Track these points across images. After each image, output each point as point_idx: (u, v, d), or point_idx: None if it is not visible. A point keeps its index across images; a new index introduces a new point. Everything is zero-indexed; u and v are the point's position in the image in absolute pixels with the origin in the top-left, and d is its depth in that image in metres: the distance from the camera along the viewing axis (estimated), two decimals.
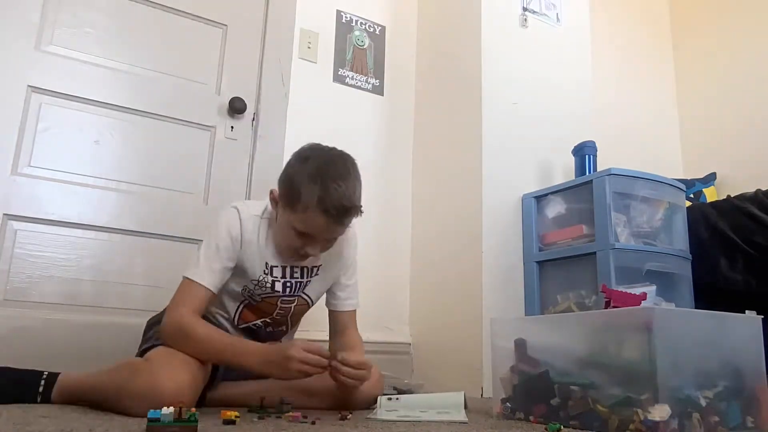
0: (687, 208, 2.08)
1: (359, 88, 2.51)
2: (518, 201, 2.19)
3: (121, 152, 1.98)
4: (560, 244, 2.04)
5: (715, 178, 2.88)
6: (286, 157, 2.19)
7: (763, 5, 2.93)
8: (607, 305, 1.33)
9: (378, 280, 2.39)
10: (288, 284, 1.46)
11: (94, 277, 1.87)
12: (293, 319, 1.57)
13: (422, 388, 2.02)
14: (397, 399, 1.34)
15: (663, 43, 3.33)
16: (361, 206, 1.38)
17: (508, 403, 1.37)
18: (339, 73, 2.47)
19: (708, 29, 3.18)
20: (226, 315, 1.48)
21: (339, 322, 1.59)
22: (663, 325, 1.13)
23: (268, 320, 1.50)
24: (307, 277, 1.48)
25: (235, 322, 1.48)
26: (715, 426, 1.14)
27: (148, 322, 1.55)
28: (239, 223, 1.39)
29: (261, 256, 1.41)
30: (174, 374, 1.18)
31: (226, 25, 2.23)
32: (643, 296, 1.29)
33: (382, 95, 2.56)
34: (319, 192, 1.28)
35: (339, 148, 1.47)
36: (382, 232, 2.43)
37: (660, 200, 1.98)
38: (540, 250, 2.11)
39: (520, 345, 1.37)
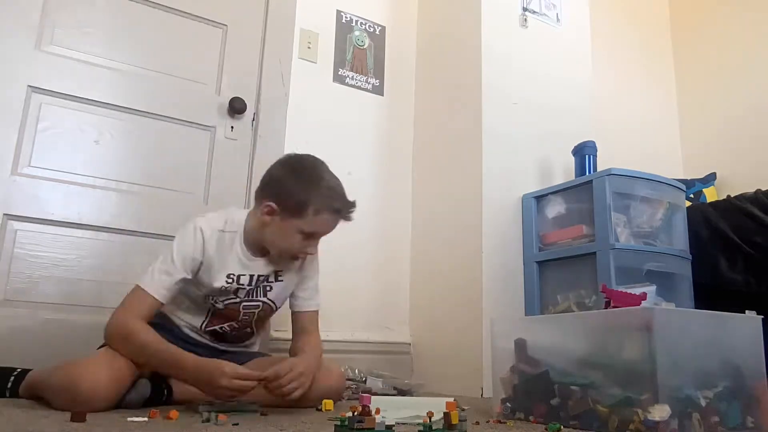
0: (687, 208, 2.08)
1: (359, 88, 2.51)
2: (518, 201, 2.19)
3: (121, 152, 1.98)
4: (560, 244, 2.04)
5: (715, 178, 2.88)
6: None
7: (763, 5, 2.93)
8: (607, 305, 1.33)
9: (378, 279, 2.39)
10: (251, 291, 1.51)
11: (94, 277, 1.87)
12: (258, 324, 1.61)
13: (422, 388, 2.02)
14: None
15: (663, 43, 3.33)
16: None
17: (508, 403, 1.37)
18: (339, 73, 2.47)
19: (708, 29, 3.18)
20: (190, 320, 1.52)
21: (298, 323, 1.62)
22: (663, 325, 1.13)
23: (235, 324, 1.54)
24: (268, 282, 1.54)
25: (203, 326, 1.53)
26: (715, 426, 1.14)
27: None
28: (202, 237, 1.45)
29: (224, 267, 1.46)
30: (91, 372, 1.23)
31: (226, 25, 2.23)
32: (643, 296, 1.29)
33: (382, 95, 2.56)
34: (327, 195, 1.43)
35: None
36: (382, 232, 2.44)
37: (660, 200, 1.98)
38: (540, 250, 2.11)
39: (520, 345, 1.37)
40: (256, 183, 2.17)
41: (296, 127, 2.28)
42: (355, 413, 0.93)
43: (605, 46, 2.92)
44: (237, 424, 1.10)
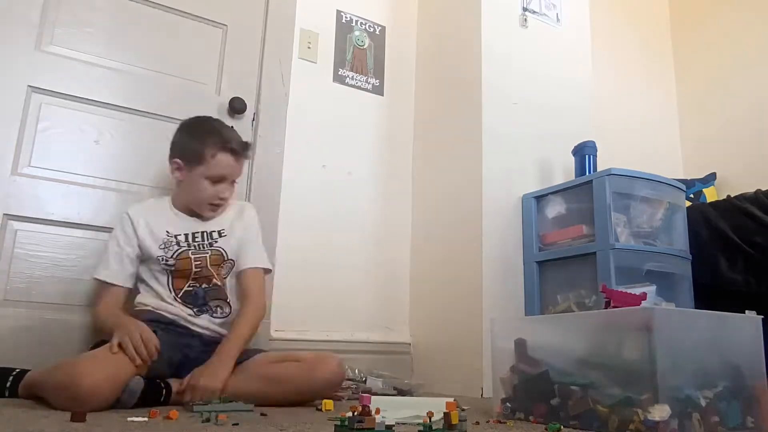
0: (687, 208, 2.08)
1: (359, 88, 2.51)
2: (518, 201, 2.19)
3: (121, 152, 1.97)
4: (560, 244, 2.04)
5: (715, 178, 2.88)
6: (287, 157, 2.24)
7: (763, 5, 2.93)
8: (607, 305, 1.33)
9: (378, 279, 2.39)
10: (192, 245, 1.65)
11: None
12: (218, 273, 1.66)
13: (422, 388, 2.02)
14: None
15: (663, 43, 3.33)
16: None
17: (508, 403, 1.37)
18: (339, 73, 2.47)
19: (708, 29, 3.18)
20: (162, 292, 1.62)
21: (240, 283, 1.68)
22: (663, 325, 1.13)
23: (195, 278, 1.63)
24: (209, 239, 1.68)
25: (173, 292, 1.63)
26: (715, 426, 1.14)
27: None
28: (128, 216, 1.66)
29: (159, 229, 1.65)
30: (91, 370, 1.26)
31: (226, 25, 2.23)
32: (643, 296, 1.29)
33: (382, 95, 2.56)
34: (219, 138, 1.65)
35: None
36: (382, 231, 2.44)
37: (660, 200, 1.98)
38: (540, 250, 2.11)
39: (520, 345, 1.37)
40: (256, 183, 2.20)
41: (296, 127, 2.28)
42: (355, 413, 0.93)
43: (605, 46, 2.92)
44: (237, 424, 1.10)
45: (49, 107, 1.88)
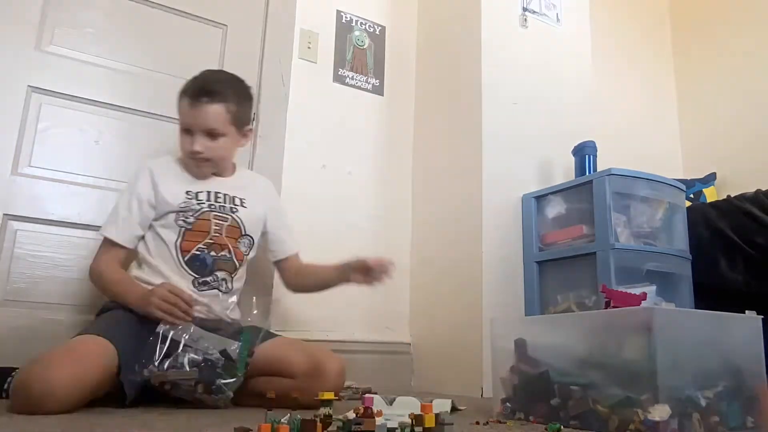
0: (687, 208, 2.07)
1: (359, 88, 2.51)
2: (518, 201, 2.19)
3: (121, 152, 1.97)
4: (560, 244, 2.04)
5: (715, 178, 2.88)
6: (287, 157, 2.24)
7: (763, 5, 2.93)
8: (607, 305, 1.33)
9: None
10: (213, 205, 1.60)
11: None
12: (233, 246, 1.61)
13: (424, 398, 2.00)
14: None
15: (663, 43, 3.33)
16: (225, 94, 1.57)
17: (508, 403, 1.37)
18: (339, 73, 2.47)
19: (708, 29, 3.19)
20: (166, 258, 1.55)
21: (290, 268, 1.73)
22: (663, 325, 1.13)
23: (210, 241, 1.57)
24: (231, 203, 1.64)
25: (179, 255, 1.55)
26: (715, 426, 1.14)
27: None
28: (149, 168, 1.61)
29: (180, 186, 1.60)
30: (47, 371, 1.15)
31: (226, 25, 2.23)
32: (643, 296, 1.29)
33: (382, 95, 2.56)
34: (185, 84, 1.58)
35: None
36: (381, 232, 2.43)
37: (660, 200, 1.98)
38: (540, 250, 2.11)
39: (520, 345, 1.37)
40: None
41: (296, 127, 2.28)
42: (358, 414, 0.93)
43: (605, 46, 2.92)
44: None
45: (49, 107, 1.88)
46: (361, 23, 2.57)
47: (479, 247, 2.08)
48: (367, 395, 1.25)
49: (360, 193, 2.43)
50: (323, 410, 0.98)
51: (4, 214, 1.77)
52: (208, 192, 1.62)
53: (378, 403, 1.32)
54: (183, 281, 1.53)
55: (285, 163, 2.23)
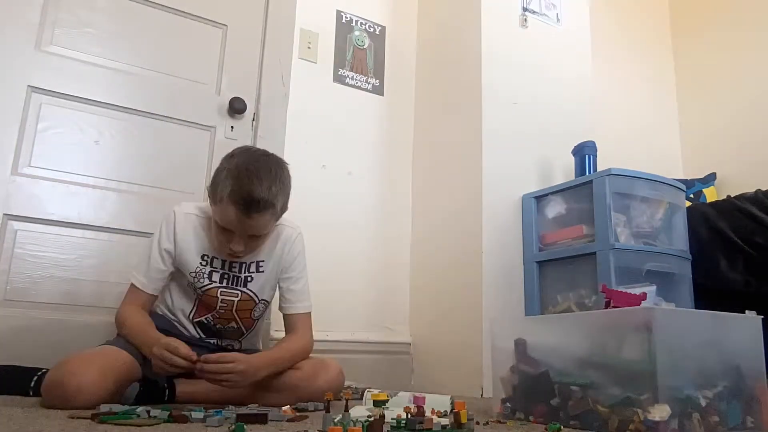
0: (687, 208, 2.07)
1: (359, 88, 2.51)
2: (518, 201, 2.19)
3: (121, 152, 1.98)
4: (560, 244, 2.04)
5: (715, 178, 2.88)
6: (287, 157, 2.21)
7: (763, 6, 2.93)
8: (607, 305, 1.33)
9: (378, 280, 2.39)
10: (226, 276, 1.52)
11: (94, 277, 1.87)
12: (242, 317, 1.56)
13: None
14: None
15: (663, 44, 3.33)
16: (275, 205, 1.41)
17: (508, 403, 1.37)
18: (339, 73, 2.47)
19: (708, 29, 3.18)
20: (183, 306, 1.55)
21: (288, 325, 1.61)
22: (663, 325, 1.13)
23: (216, 315, 1.53)
24: (246, 272, 1.54)
25: (192, 316, 1.55)
26: (715, 426, 1.14)
27: None
28: (174, 220, 1.50)
29: (197, 249, 1.50)
30: (79, 369, 1.24)
31: (226, 25, 2.23)
32: (643, 296, 1.29)
33: (382, 95, 2.56)
34: (231, 185, 1.35)
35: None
36: (382, 232, 2.44)
37: (660, 200, 1.98)
38: (540, 250, 2.11)
39: (520, 345, 1.37)
40: None
41: (296, 127, 2.28)
42: (410, 414, 0.93)
43: (605, 46, 2.92)
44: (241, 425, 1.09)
45: (49, 107, 1.88)
46: (361, 23, 2.57)
47: (479, 247, 2.08)
48: (416, 394, 1.27)
49: (360, 193, 2.43)
50: (377, 410, 0.99)
51: (4, 214, 1.77)
52: (224, 262, 1.51)
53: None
54: (195, 332, 1.56)
55: (285, 163, 2.22)
